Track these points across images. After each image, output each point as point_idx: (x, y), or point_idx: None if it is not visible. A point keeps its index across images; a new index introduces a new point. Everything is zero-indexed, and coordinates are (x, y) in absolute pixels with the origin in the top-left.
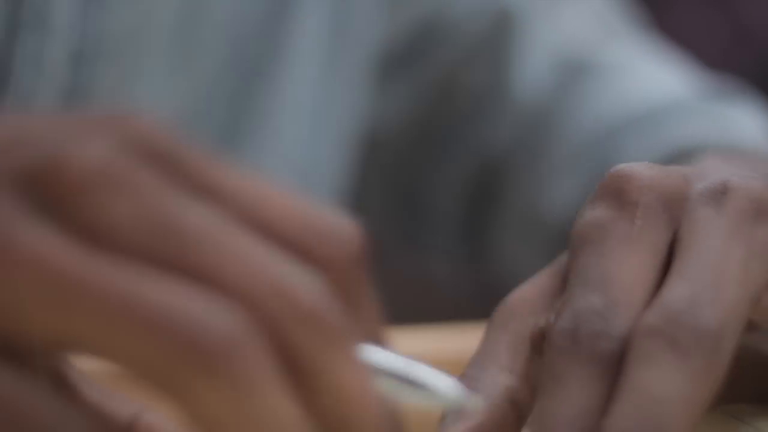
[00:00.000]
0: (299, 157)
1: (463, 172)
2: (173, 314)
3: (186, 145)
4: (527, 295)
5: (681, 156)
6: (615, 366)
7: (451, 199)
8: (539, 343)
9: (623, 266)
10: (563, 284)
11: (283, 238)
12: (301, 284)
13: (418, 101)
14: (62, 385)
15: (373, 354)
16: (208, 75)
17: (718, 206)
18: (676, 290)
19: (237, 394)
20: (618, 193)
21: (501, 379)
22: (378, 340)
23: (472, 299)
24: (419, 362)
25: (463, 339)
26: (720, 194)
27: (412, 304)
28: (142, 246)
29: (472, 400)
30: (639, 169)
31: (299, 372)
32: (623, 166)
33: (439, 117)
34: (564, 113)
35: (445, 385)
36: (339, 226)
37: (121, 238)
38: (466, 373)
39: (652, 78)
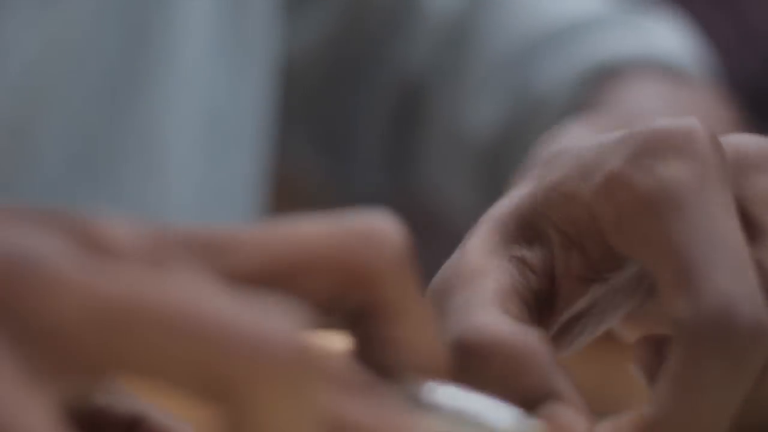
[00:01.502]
0: (209, 96)
1: (382, 95)
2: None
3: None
4: (475, 260)
5: (602, 72)
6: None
7: (372, 123)
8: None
9: (732, 238)
10: (518, 231)
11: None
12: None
13: (330, 27)
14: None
15: (427, 391)
16: (83, 10)
17: None
18: None
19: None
20: (684, 149)
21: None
22: (434, 367)
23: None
24: (475, 394)
25: None
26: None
27: None
28: None
29: (533, 428)
30: (682, 124)
31: None
32: (660, 123)
33: (353, 41)
34: (478, 30)
35: (504, 417)
36: (370, 229)
37: None
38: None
39: None
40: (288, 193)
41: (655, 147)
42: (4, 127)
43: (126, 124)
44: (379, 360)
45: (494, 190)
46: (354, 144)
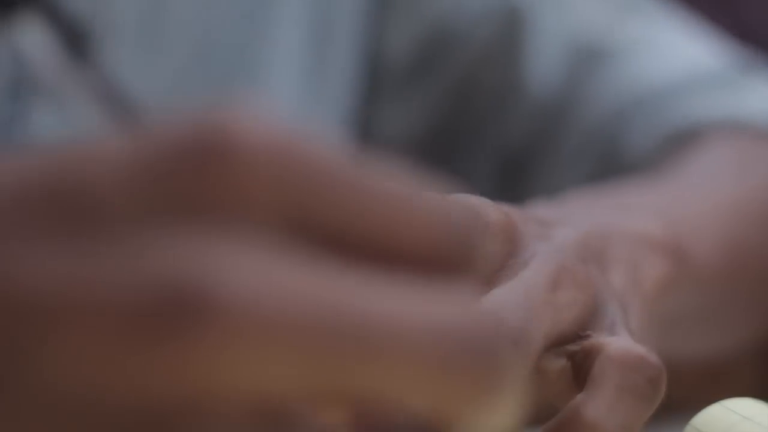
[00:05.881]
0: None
1: (483, 169)
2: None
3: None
4: None
5: (684, 136)
6: None
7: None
8: None
9: None
10: None
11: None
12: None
13: (436, 107)
14: None
15: None
16: (171, 74)
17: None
18: None
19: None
20: None
21: None
22: None
23: None
24: None
25: None
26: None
27: None
28: None
29: None
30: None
31: None
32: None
33: (458, 120)
34: (575, 103)
35: None
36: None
37: None
38: None
39: (673, 51)
40: None
41: None
42: None
43: None
44: None
45: None
46: None
